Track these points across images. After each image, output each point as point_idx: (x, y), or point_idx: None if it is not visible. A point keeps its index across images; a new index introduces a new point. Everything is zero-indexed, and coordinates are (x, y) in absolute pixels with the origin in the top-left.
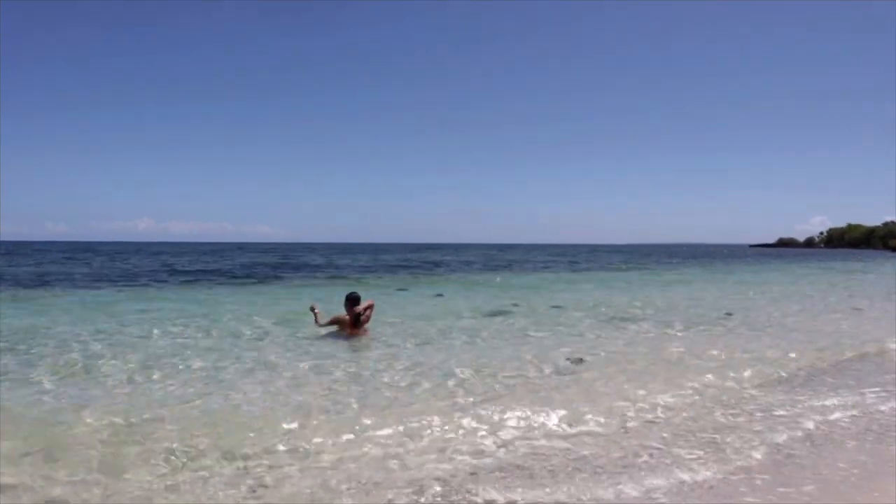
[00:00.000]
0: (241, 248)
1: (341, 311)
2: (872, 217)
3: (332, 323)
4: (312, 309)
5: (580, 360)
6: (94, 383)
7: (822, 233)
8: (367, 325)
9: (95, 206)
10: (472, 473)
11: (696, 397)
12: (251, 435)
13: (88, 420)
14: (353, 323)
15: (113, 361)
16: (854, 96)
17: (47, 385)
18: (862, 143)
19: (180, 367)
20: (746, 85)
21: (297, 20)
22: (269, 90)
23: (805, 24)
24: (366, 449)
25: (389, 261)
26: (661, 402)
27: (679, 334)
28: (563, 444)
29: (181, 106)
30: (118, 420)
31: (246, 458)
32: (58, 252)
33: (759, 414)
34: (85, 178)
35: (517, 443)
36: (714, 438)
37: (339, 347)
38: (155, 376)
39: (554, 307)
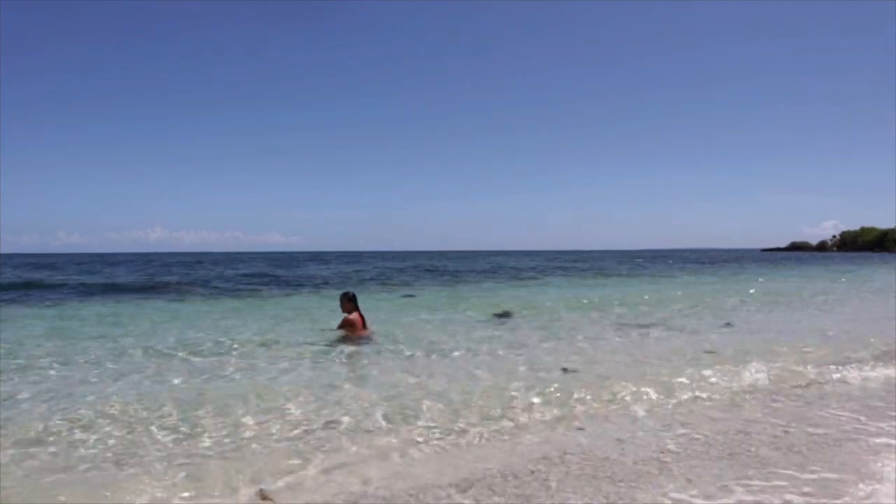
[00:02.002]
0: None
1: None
2: (885, 220)
3: (343, 327)
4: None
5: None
6: None
7: (834, 236)
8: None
9: (107, 215)
10: None
11: None
12: None
13: None
14: (363, 324)
15: None
16: (864, 98)
17: None
18: (873, 146)
19: None
20: (756, 88)
21: (305, 29)
22: (278, 99)
23: (816, 25)
24: None
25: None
26: None
27: None
28: None
29: (192, 115)
30: None
31: None
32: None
33: None
34: (97, 187)
35: None
36: None
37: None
38: None
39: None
